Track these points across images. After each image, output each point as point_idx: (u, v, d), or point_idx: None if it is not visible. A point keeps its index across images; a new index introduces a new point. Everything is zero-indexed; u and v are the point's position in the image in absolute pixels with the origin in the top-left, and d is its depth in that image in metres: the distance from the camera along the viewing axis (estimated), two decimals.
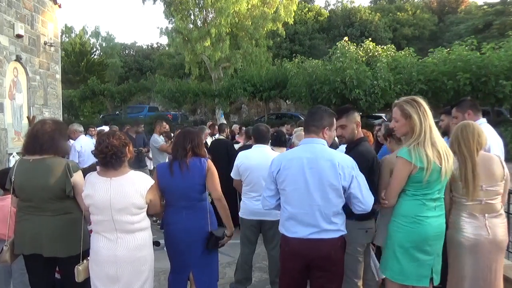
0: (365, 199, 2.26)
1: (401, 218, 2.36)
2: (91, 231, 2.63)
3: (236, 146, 7.06)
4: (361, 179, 2.27)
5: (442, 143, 2.34)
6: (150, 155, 7.05)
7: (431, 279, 2.39)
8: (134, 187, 2.39)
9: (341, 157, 2.29)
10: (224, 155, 5.52)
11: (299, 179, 2.27)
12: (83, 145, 5.88)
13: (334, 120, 2.46)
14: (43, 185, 2.47)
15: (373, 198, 2.30)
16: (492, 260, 2.49)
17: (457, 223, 2.55)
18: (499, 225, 2.52)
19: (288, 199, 2.33)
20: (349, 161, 2.28)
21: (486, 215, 2.50)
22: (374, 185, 2.49)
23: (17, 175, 2.52)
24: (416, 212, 2.32)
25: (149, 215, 2.61)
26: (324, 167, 2.23)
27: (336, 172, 2.21)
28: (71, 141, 5.78)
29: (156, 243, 4.50)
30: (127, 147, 2.46)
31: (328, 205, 2.24)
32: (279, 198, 2.41)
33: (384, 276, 2.51)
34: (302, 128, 5.30)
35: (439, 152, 2.28)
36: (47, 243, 2.50)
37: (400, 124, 2.42)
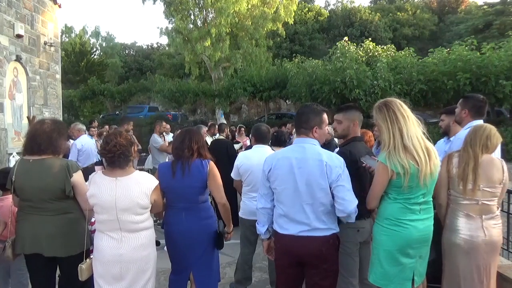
0: (345, 200, 2.23)
1: (384, 221, 2.34)
2: (92, 231, 2.64)
3: (236, 146, 7.07)
4: (346, 181, 2.26)
5: (419, 145, 2.24)
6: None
7: (413, 281, 2.37)
8: (139, 187, 2.40)
9: (329, 157, 2.28)
10: (224, 155, 5.53)
11: (289, 178, 2.30)
12: (84, 143, 5.90)
13: (324, 116, 2.44)
14: (43, 186, 2.48)
15: (355, 202, 2.25)
16: (487, 261, 2.50)
17: (454, 224, 2.55)
18: (495, 226, 2.53)
19: (280, 198, 2.36)
20: (337, 161, 2.28)
21: (483, 216, 2.50)
22: (357, 187, 2.42)
23: (18, 175, 2.53)
24: (398, 215, 2.28)
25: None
26: (312, 167, 2.25)
27: (323, 171, 2.22)
28: (71, 141, 5.78)
29: (156, 243, 4.49)
30: (133, 147, 2.47)
31: (317, 204, 2.26)
32: (274, 199, 2.43)
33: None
34: None
35: (413, 157, 2.20)
36: (47, 242, 2.51)
37: (377, 129, 2.40)
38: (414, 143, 2.23)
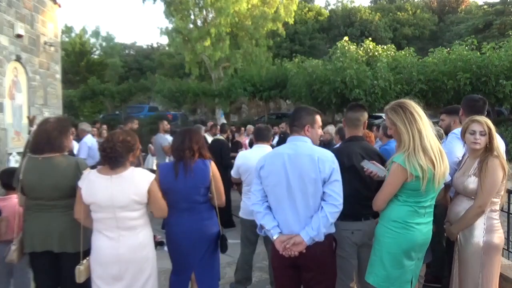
0: (340, 196, 2.22)
1: (390, 223, 2.30)
2: None
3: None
4: (339, 176, 2.26)
5: (435, 146, 2.24)
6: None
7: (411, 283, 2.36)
8: (134, 183, 2.41)
9: (321, 152, 2.30)
10: (218, 156, 5.53)
11: (281, 174, 2.28)
12: (94, 142, 6.01)
13: (317, 117, 2.48)
14: (54, 183, 2.51)
15: (342, 198, 2.23)
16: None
17: (492, 225, 2.49)
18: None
19: (272, 196, 2.32)
20: (330, 155, 2.29)
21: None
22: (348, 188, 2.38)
23: (26, 173, 2.54)
24: (406, 218, 2.26)
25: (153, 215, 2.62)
26: (304, 163, 2.25)
27: (315, 165, 2.22)
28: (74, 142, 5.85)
29: (160, 243, 4.49)
30: (132, 152, 2.48)
31: (307, 200, 2.23)
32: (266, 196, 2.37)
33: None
34: None
35: (431, 158, 2.18)
36: (57, 239, 2.54)
37: (393, 131, 2.37)
38: (432, 144, 2.22)
